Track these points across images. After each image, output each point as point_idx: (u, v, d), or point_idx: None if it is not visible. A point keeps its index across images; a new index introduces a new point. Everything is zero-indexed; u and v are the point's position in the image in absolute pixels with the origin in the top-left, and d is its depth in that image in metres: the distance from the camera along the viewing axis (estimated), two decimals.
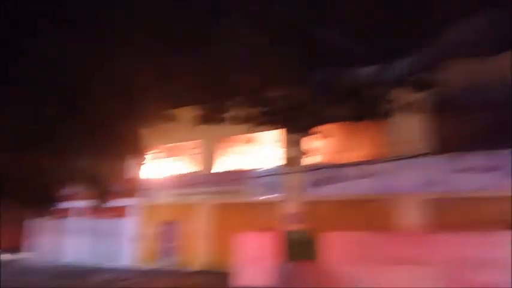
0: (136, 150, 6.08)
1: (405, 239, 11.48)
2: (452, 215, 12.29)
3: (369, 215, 14.45)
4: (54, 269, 17.90)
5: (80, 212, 20.28)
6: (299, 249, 14.67)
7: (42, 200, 6.66)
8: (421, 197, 13.48)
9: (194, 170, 19.82)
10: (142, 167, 19.31)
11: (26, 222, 21.50)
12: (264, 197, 17.11)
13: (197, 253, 18.27)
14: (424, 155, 13.43)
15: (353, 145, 15.95)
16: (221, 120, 5.20)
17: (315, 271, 11.45)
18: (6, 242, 23.15)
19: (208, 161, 19.29)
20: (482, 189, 12.16)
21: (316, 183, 15.50)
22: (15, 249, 23.09)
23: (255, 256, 13.06)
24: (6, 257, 21.65)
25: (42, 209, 7.07)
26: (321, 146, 15.04)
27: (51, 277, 15.90)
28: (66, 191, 7.38)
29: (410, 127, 12.81)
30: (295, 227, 16.01)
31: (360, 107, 4.99)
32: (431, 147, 13.59)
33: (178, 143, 19.61)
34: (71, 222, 21.62)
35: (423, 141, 13.62)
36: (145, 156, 7.62)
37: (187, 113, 5.34)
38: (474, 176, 12.44)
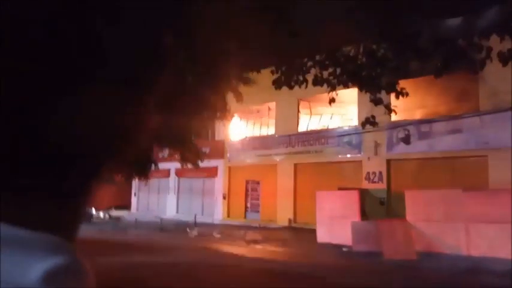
0: (223, 114, 6.59)
1: (494, 197, 10.92)
2: None
3: (458, 172, 13.91)
4: (155, 223, 19.92)
5: (177, 173, 22.11)
6: (380, 207, 14.70)
7: (144, 162, 7.56)
8: None
9: (276, 131, 20.39)
10: (228, 129, 20.29)
11: (132, 182, 23.91)
12: (345, 156, 17.18)
13: (280, 210, 19.11)
14: None
15: (442, 100, 15.21)
16: (301, 83, 5.43)
17: (396, 229, 11.41)
18: (115, 200, 26.11)
19: (290, 121, 19.67)
20: None
21: (401, 141, 15.16)
22: (123, 206, 25.97)
23: (336, 214, 13.33)
24: (116, 213, 24.49)
25: (144, 170, 8.03)
26: (405, 102, 14.58)
27: (154, 230, 17.77)
28: (164, 153, 8.24)
29: (503, 78, 11.88)
30: (376, 185, 15.96)
31: (448, 59, 4.86)
32: None
33: (259, 105, 20.19)
34: (169, 181, 23.68)
35: None
36: (231, 119, 8.17)
37: (267, 75, 5.70)
38: None
